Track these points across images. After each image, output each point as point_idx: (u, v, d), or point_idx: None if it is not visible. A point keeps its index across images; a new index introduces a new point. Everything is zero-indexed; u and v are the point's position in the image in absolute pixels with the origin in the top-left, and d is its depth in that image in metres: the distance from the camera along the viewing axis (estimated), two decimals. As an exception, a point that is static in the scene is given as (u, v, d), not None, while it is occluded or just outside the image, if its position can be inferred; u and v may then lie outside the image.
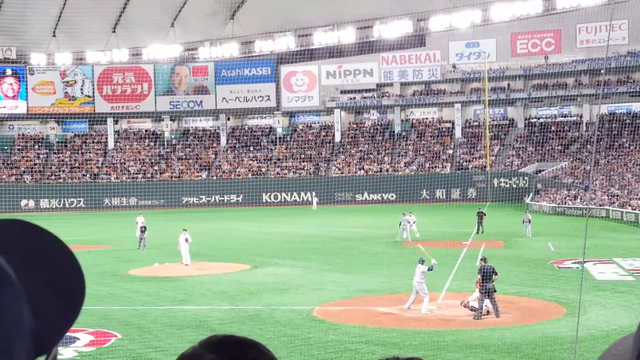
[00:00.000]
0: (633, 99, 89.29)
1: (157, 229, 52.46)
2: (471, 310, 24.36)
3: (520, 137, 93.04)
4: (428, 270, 25.03)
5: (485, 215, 51.66)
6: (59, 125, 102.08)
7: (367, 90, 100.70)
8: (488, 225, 51.36)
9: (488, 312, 23.96)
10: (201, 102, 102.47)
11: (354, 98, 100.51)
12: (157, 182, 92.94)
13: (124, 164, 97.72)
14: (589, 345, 20.03)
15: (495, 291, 23.92)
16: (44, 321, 1.08)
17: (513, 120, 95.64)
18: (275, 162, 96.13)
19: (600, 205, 65.14)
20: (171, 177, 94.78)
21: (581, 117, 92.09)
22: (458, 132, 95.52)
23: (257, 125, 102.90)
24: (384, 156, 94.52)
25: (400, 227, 47.11)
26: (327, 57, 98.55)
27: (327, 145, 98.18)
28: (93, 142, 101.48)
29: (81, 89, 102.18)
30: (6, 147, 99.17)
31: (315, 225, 59.64)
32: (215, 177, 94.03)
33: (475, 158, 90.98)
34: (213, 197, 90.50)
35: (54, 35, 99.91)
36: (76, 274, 1.17)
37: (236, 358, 1.37)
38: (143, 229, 45.58)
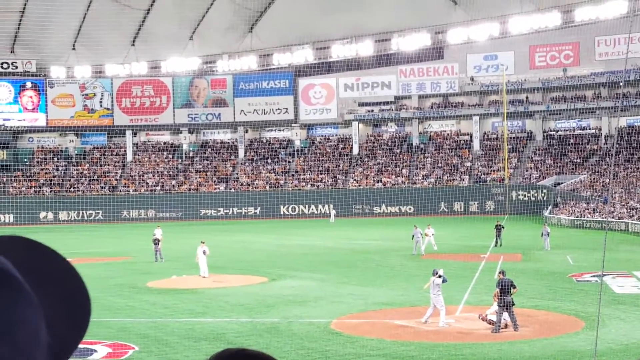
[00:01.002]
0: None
1: (175, 242, 52.58)
2: (489, 323, 24.24)
3: (538, 150, 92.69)
4: (442, 282, 24.92)
5: (503, 228, 51.48)
6: (78, 137, 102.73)
7: (385, 103, 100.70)
8: (506, 238, 51.15)
9: (506, 326, 23.84)
10: (219, 114, 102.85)
11: (372, 110, 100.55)
12: (175, 195, 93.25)
13: (143, 176, 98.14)
14: (608, 359, 19.88)
15: (513, 304, 23.81)
16: (55, 335, 1.09)
17: (531, 132, 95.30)
18: (293, 175, 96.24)
19: (619, 219, 64.74)
20: (189, 190, 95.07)
21: (600, 129, 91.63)
22: (476, 145, 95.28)
23: (275, 137, 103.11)
24: (401, 169, 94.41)
25: (414, 240, 46.88)
26: (345, 69, 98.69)
27: (345, 157, 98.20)
28: (112, 155, 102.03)
29: (100, 102, 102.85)
30: (26, 160, 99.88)
31: (332, 238, 59.59)
32: (233, 190, 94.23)
33: (494, 171, 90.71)
34: (231, 209, 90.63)
35: (74, 49, 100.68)
36: (80, 288, 1.17)
37: None
38: (156, 242, 45.50)
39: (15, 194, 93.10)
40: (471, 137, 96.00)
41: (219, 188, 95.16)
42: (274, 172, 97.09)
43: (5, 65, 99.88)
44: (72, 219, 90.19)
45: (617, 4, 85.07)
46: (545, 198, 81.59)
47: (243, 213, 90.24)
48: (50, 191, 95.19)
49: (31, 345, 1.03)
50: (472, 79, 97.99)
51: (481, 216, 79.33)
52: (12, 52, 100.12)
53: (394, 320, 25.85)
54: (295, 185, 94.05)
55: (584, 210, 71.68)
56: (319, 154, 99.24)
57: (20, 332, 1.02)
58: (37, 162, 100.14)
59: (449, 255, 44.95)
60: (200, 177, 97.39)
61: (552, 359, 20.36)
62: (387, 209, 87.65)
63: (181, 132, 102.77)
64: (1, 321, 1.00)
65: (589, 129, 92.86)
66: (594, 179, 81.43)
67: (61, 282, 1.15)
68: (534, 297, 29.45)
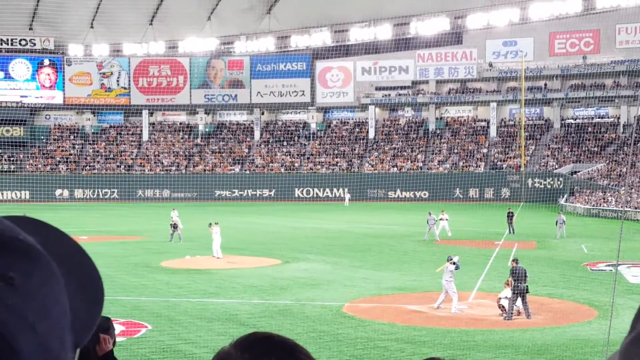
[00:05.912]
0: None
1: (189, 222, 52.70)
2: (500, 308, 24.19)
3: (556, 138, 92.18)
4: (455, 269, 24.85)
5: (513, 215, 50.98)
6: (94, 116, 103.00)
7: (402, 87, 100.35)
8: (522, 225, 50.93)
9: (519, 313, 23.80)
10: (236, 96, 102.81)
11: (389, 95, 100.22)
12: (191, 175, 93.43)
13: (158, 156, 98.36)
14: (621, 350, 19.75)
15: (528, 292, 23.75)
16: (74, 315, 1.10)
17: (549, 120, 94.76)
18: (308, 158, 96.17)
19: (635, 208, 64.35)
20: (204, 170, 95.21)
21: (618, 118, 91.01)
22: (493, 131, 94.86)
23: (291, 120, 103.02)
24: (417, 154, 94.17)
25: (428, 226, 46.82)
26: (362, 53, 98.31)
27: (361, 141, 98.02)
28: (128, 134, 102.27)
29: (117, 81, 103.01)
30: (42, 137, 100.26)
31: (347, 222, 59.58)
32: (248, 171, 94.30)
33: (510, 158, 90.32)
34: (246, 191, 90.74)
35: (92, 27, 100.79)
36: (90, 267, 1.16)
37: None
38: (174, 226, 45.55)
39: (32, 171, 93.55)
40: (488, 123, 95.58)
41: (234, 169, 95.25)
42: (290, 155, 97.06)
43: (23, 42, 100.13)
44: (88, 197, 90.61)
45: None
46: (561, 186, 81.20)
47: (258, 195, 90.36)
48: (66, 169, 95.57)
49: (63, 322, 1.05)
50: (490, 65, 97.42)
51: (496, 203, 79.04)
52: (30, 29, 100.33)
53: (406, 305, 25.84)
54: (311, 168, 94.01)
55: (600, 199, 71.30)
56: (335, 137, 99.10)
57: (55, 309, 1.04)
58: (54, 139, 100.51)
59: (463, 241, 44.85)
60: (215, 158, 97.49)
61: (564, 347, 20.29)
62: (402, 193, 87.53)
63: (197, 113, 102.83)
64: (42, 298, 1.02)
65: (607, 117, 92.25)
66: (611, 167, 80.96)
67: (72, 262, 1.14)
68: (547, 285, 29.36)
